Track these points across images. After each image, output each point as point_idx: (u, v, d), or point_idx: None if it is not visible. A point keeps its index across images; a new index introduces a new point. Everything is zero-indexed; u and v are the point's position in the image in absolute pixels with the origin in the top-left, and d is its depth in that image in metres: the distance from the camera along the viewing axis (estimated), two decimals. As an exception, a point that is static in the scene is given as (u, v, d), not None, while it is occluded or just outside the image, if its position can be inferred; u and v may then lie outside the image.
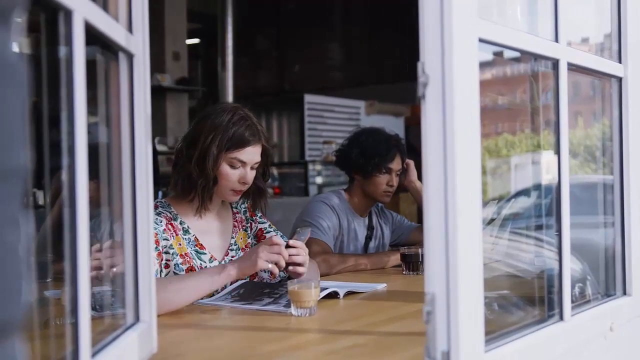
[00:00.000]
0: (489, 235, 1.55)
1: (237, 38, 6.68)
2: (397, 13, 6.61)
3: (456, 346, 0.99)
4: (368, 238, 2.78)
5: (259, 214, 2.16)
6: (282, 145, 8.40)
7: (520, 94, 1.62)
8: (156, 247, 1.82)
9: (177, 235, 1.93)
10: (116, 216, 1.21)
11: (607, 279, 1.64)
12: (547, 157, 1.41)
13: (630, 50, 1.59)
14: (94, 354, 0.94)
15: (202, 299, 1.85)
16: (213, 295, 1.90)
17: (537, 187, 1.59)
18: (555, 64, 1.34)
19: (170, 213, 1.96)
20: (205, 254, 1.97)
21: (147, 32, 1.24)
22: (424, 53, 1.02)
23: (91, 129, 0.97)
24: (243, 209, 2.14)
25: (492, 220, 1.62)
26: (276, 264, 1.80)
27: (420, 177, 2.72)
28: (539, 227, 1.55)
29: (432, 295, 1.01)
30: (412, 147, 4.27)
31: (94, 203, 1.03)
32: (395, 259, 2.53)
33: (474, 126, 1.05)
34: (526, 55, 1.36)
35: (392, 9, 7.41)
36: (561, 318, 1.33)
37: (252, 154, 1.95)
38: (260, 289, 1.89)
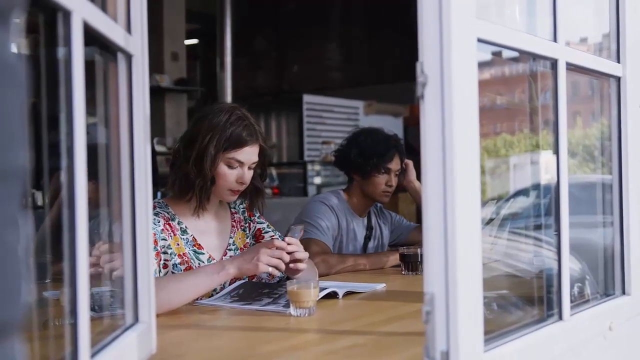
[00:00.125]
0: (488, 235, 1.55)
1: (235, 38, 6.67)
2: (396, 13, 6.61)
3: (455, 346, 1.00)
4: (367, 238, 2.78)
5: (257, 214, 2.16)
6: (281, 146, 8.41)
7: (519, 93, 1.62)
8: (154, 247, 1.82)
9: (175, 235, 1.93)
10: (115, 217, 1.21)
11: (606, 279, 1.64)
12: (546, 157, 1.41)
13: (628, 50, 1.59)
14: (93, 355, 0.94)
15: (201, 299, 1.85)
16: (212, 295, 1.90)
17: (536, 186, 1.59)
18: (554, 63, 1.34)
19: (168, 213, 1.96)
20: (203, 254, 1.97)
21: (146, 33, 1.24)
22: (423, 53, 1.02)
23: (90, 130, 0.97)
24: (241, 209, 2.14)
25: (491, 220, 1.62)
26: (276, 267, 1.80)
27: (419, 177, 2.72)
28: (538, 227, 1.56)
29: (431, 295, 1.01)
30: (410, 147, 4.28)
31: (93, 204, 1.03)
32: (394, 259, 2.53)
33: (473, 126, 1.05)
34: (525, 55, 1.36)
35: (391, 9, 7.41)
36: (560, 318, 1.33)
37: (249, 154, 1.95)
38: (260, 289, 1.89)
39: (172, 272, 1.88)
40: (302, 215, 2.66)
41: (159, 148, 6.21)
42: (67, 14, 0.86)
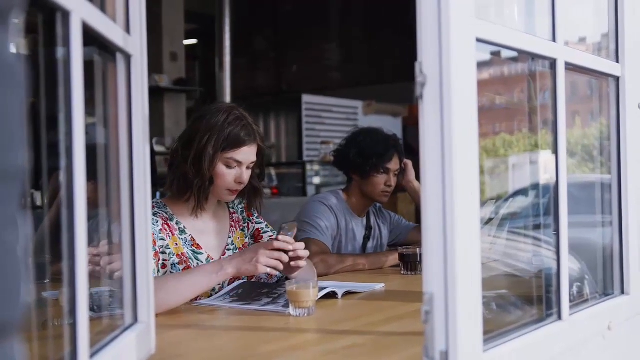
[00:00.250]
0: (487, 235, 1.55)
1: (234, 38, 6.67)
2: (395, 13, 6.62)
3: (454, 346, 1.00)
4: (366, 238, 2.78)
5: (256, 214, 2.16)
6: (280, 146, 8.41)
7: (518, 93, 1.62)
8: (153, 247, 1.82)
9: (173, 235, 1.93)
10: (114, 217, 1.21)
11: (605, 278, 1.64)
12: (545, 157, 1.42)
13: (627, 49, 1.59)
14: (92, 355, 0.94)
15: (200, 299, 1.85)
16: (211, 295, 1.90)
17: (535, 186, 1.59)
18: (553, 63, 1.34)
19: (166, 213, 1.96)
20: (202, 253, 1.97)
21: (145, 33, 1.24)
22: (422, 53, 1.02)
23: (89, 130, 0.97)
24: (240, 209, 2.14)
25: (490, 219, 1.62)
26: (275, 268, 1.79)
27: (418, 177, 2.71)
28: (537, 227, 1.56)
29: (431, 295, 1.01)
30: (410, 147, 4.29)
31: (92, 204, 1.03)
32: (393, 259, 2.53)
33: (472, 126, 1.05)
34: (524, 55, 1.36)
35: (391, 9, 7.41)
36: (559, 317, 1.33)
37: (247, 153, 1.95)
38: (259, 289, 1.88)
39: (171, 272, 1.88)
40: (301, 215, 2.66)
41: (157, 148, 6.21)
42: (66, 14, 0.86)
